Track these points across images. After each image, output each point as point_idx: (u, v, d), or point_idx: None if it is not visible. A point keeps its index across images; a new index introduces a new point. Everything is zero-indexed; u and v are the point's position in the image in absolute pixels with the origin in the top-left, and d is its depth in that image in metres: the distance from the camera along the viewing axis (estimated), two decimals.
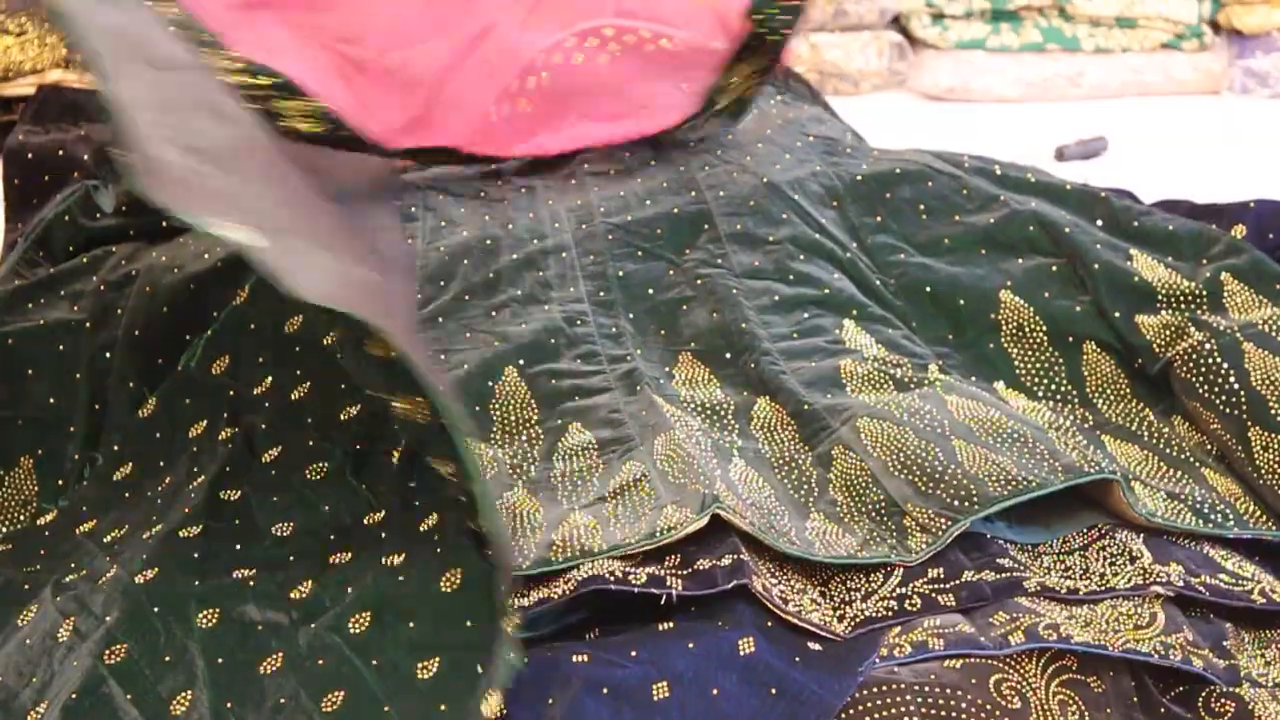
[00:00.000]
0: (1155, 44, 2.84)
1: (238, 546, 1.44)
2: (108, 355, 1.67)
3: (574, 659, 1.29)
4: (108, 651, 1.32)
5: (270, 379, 1.63)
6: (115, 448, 1.60)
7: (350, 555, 1.40)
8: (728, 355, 1.67)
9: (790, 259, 1.78)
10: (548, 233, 1.84)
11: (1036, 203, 1.82)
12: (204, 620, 1.35)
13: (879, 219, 1.84)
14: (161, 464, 1.57)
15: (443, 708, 1.24)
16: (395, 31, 2.27)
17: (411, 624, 1.31)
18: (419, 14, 2.28)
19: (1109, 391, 1.66)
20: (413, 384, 1.30)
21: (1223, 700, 1.30)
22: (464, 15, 2.30)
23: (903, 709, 1.26)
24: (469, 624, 1.31)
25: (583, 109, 2.11)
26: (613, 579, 1.32)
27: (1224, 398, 1.56)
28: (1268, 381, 1.55)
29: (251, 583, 1.38)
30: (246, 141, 1.48)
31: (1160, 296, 1.70)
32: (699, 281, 1.76)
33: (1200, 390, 1.58)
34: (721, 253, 1.79)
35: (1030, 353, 1.70)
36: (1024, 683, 1.29)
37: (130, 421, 1.62)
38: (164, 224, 1.80)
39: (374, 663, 1.28)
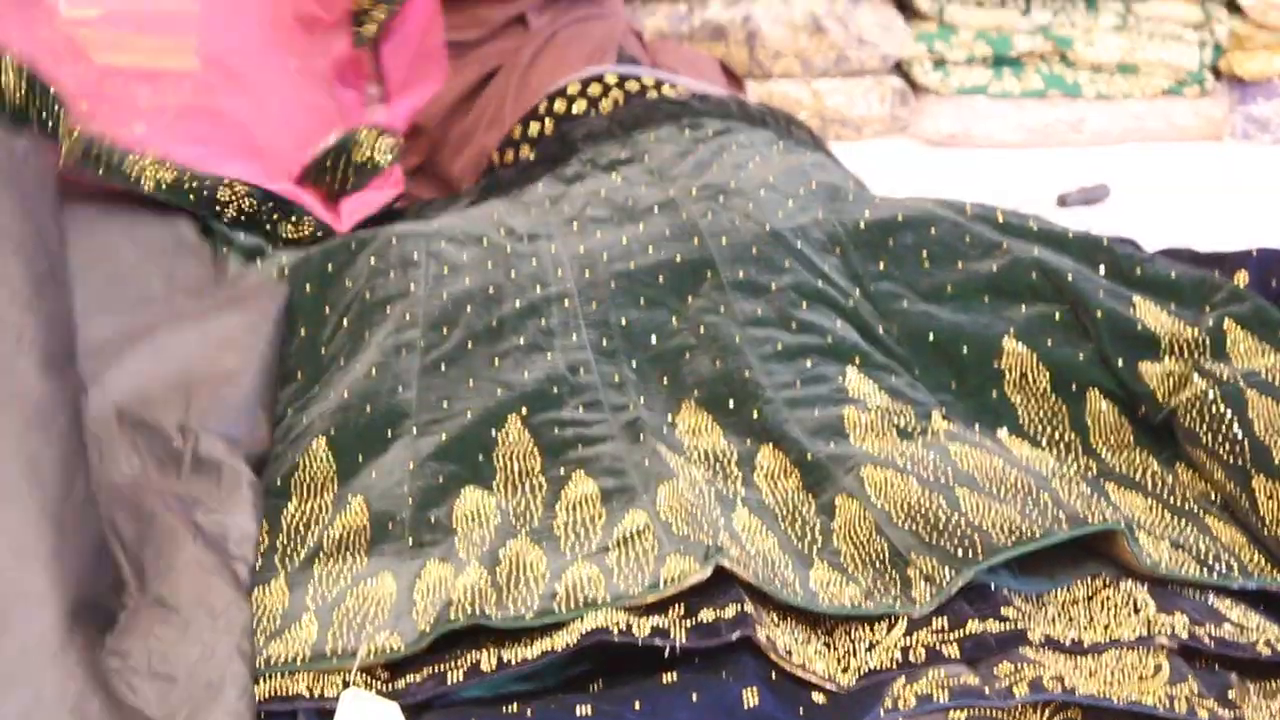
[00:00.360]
0: (1157, 90, 2.86)
1: None
2: None
3: (577, 711, 1.29)
4: None
5: None
6: None
7: None
8: (731, 404, 1.67)
9: (793, 307, 1.79)
10: (550, 280, 1.84)
11: (1039, 249, 1.82)
12: None
13: (881, 266, 1.85)
14: None
15: None
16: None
17: None
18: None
19: (1112, 440, 1.66)
20: None
21: None
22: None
23: None
24: None
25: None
26: (616, 631, 1.32)
27: (1227, 446, 1.56)
28: (1271, 430, 1.55)
29: None
30: None
31: (1163, 344, 1.71)
32: (702, 329, 1.77)
33: (1204, 438, 1.59)
34: (724, 300, 1.80)
35: (1033, 400, 1.70)
36: None
37: None
38: None
39: None
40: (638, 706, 1.29)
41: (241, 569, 1.46)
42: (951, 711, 1.30)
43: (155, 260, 1.82)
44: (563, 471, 1.58)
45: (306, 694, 1.35)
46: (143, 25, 1.97)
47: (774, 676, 1.32)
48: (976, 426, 1.66)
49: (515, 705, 1.32)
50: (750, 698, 1.29)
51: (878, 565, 1.45)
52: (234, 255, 1.94)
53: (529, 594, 1.39)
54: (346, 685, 1.35)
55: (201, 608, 1.38)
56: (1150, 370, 1.69)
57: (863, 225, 1.89)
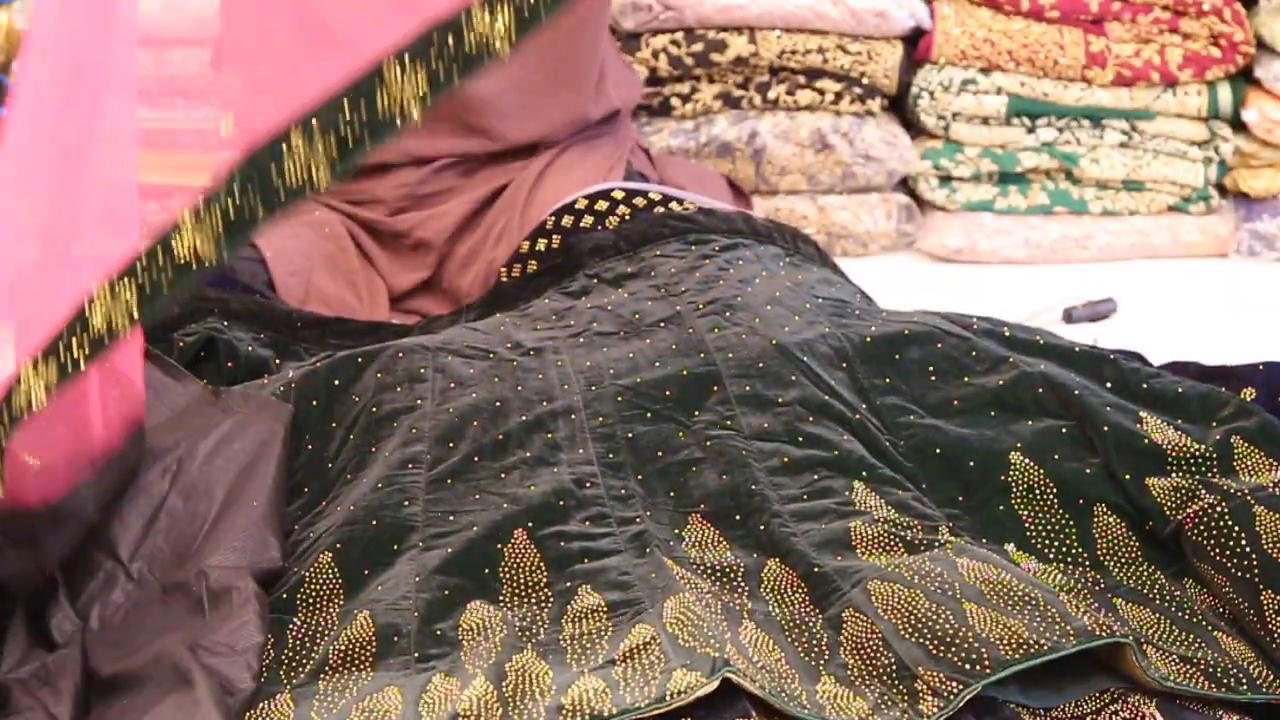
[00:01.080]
0: (1162, 206, 2.88)
1: None
2: None
3: None
4: None
5: None
6: None
7: None
8: (737, 517, 1.68)
9: (800, 420, 1.80)
10: (557, 394, 1.86)
11: (1045, 364, 1.84)
12: None
13: (888, 380, 1.86)
14: None
15: None
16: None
17: None
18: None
19: (1120, 554, 1.67)
20: None
21: None
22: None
23: None
24: None
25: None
26: None
27: (1235, 561, 1.57)
28: (1279, 545, 1.56)
29: None
30: None
31: (1170, 459, 1.72)
32: (708, 443, 1.78)
33: (1212, 553, 1.59)
34: (731, 414, 1.81)
35: (1041, 515, 1.71)
36: None
37: None
38: None
39: None
40: None
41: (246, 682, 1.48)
42: None
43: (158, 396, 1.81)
44: (569, 585, 1.59)
45: None
46: (160, 143, 1.99)
47: None
48: (984, 540, 1.67)
49: None
50: None
51: (885, 678, 1.45)
52: (240, 368, 1.96)
53: (535, 707, 1.40)
54: None
55: None
56: (1158, 485, 1.70)
57: (869, 339, 1.90)
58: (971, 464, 1.76)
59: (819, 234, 2.82)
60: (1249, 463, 1.70)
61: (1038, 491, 1.72)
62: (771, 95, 2.83)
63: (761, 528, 1.65)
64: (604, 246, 2.15)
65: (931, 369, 1.86)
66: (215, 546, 1.64)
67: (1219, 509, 1.61)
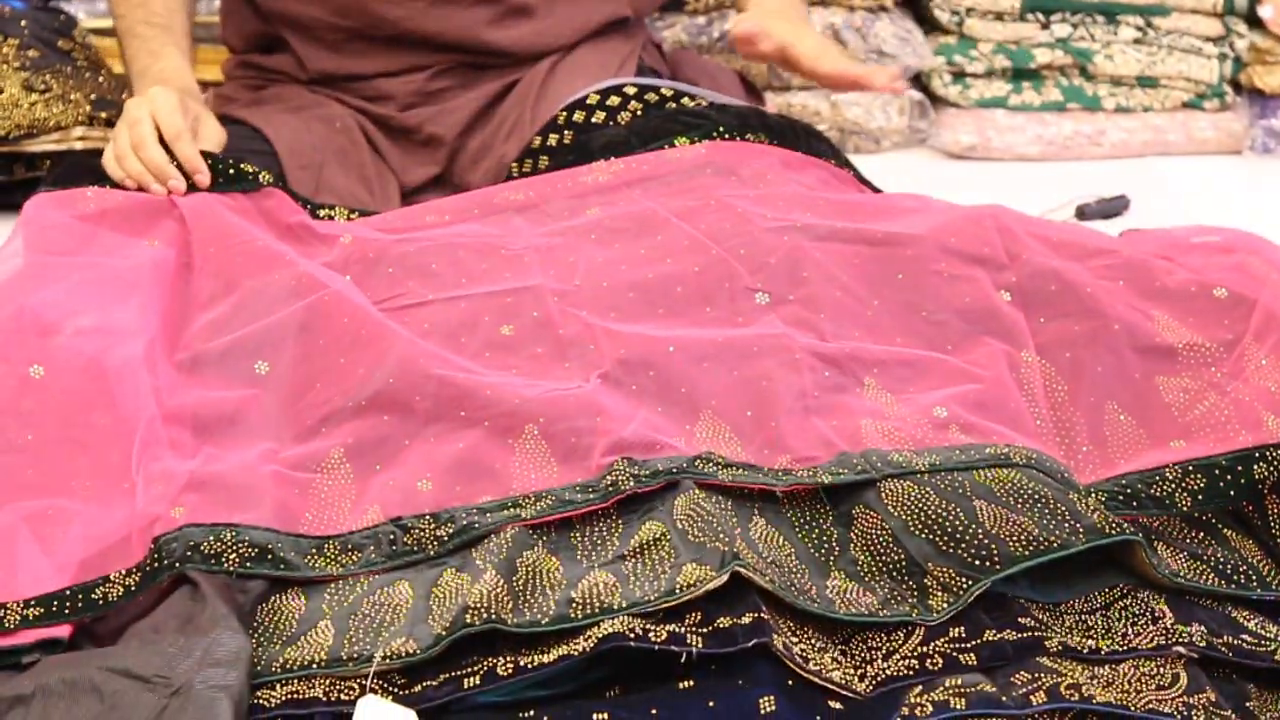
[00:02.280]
0: (1176, 103, 2.86)
1: None
2: None
3: (594, 717, 1.31)
4: None
5: None
6: None
7: None
8: (749, 413, 1.67)
9: (813, 315, 1.79)
10: (568, 289, 1.85)
11: (1057, 261, 1.83)
12: None
13: (902, 275, 1.85)
14: None
15: None
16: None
17: None
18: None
19: (1130, 452, 1.66)
20: None
21: None
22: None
23: None
24: None
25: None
26: (632, 636, 1.33)
27: None
28: None
29: None
30: None
31: (1180, 357, 1.71)
32: (720, 339, 1.77)
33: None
34: (743, 309, 1.80)
35: (1052, 413, 1.70)
36: None
37: None
38: None
39: None
40: (654, 713, 1.30)
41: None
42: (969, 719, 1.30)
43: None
44: None
45: (323, 698, 1.36)
46: None
47: (791, 684, 1.32)
48: (994, 439, 1.66)
49: (532, 711, 1.33)
50: (767, 704, 1.30)
51: (895, 574, 1.46)
52: None
53: (545, 601, 1.40)
54: (363, 690, 1.36)
55: None
56: (1167, 384, 1.69)
57: (881, 234, 1.89)
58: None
59: (831, 130, 2.81)
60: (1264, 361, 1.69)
61: (1050, 388, 1.71)
62: None
63: (773, 424, 1.65)
64: (616, 142, 2.13)
65: (944, 266, 1.85)
66: None
67: (1225, 409, 1.61)
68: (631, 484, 1.53)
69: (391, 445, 1.65)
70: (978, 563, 1.42)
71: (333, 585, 1.49)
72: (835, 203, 1.98)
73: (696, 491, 1.51)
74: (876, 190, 2.19)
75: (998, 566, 1.42)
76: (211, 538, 1.50)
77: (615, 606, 1.37)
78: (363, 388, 1.70)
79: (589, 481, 1.56)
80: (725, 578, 1.37)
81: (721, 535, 1.43)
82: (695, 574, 1.38)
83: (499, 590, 1.40)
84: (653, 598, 1.37)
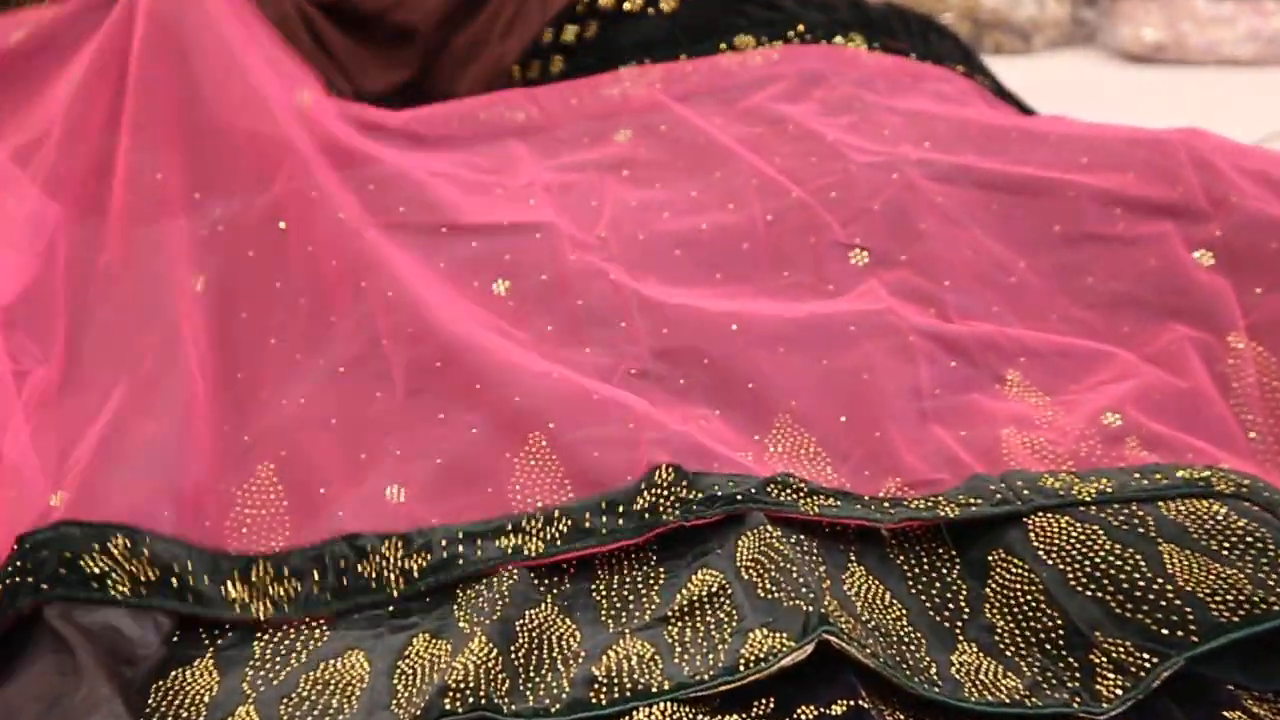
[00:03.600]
0: None
1: None
2: None
3: None
4: None
5: None
6: None
7: None
8: (843, 418, 1.67)
9: (930, 283, 1.79)
10: (590, 246, 1.85)
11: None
12: None
13: (1058, 228, 1.85)
14: None
15: None
16: None
17: None
18: None
19: None
20: None
21: None
22: None
23: None
24: None
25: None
26: None
27: None
28: None
29: None
30: None
31: None
32: (800, 315, 1.77)
33: None
34: (830, 273, 1.80)
35: (1271, 423, 1.69)
36: None
37: None
38: None
39: None
40: None
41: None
42: None
43: None
44: None
45: None
46: None
47: None
48: (1190, 455, 1.66)
49: None
50: None
51: (1047, 647, 1.45)
52: None
53: (557, 680, 1.40)
54: None
55: None
56: None
57: (1030, 173, 1.89)
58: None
59: (962, 23, 2.81)
60: None
61: (1266, 380, 1.71)
62: None
63: (876, 433, 1.64)
64: (655, 40, 2.14)
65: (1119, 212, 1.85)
66: None
67: None
68: (678, 513, 1.53)
69: (356, 424, 1.66)
70: (1166, 632, 1.41)
71: (257, 656, 1.49)
72: (964, 128, 1.98)
73: (768, 528, 1.51)
74: (1025, 110, 2.18)
75: (1194, 639, 1.41)
76: (96, 547, 1.51)
77: (655, 689, 1.36)
78: (329, 332, 1.72)
79: (615, 498, 1.55)
80: (809, 649, 1.37)
81: (804, 590, 1.43)
82: (766, 644, 1.37)
83: (490, 665, 1.40)
84: (707, 677, 1.37)
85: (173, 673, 1.48)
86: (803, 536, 1.53)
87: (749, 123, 1.99)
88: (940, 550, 1.56)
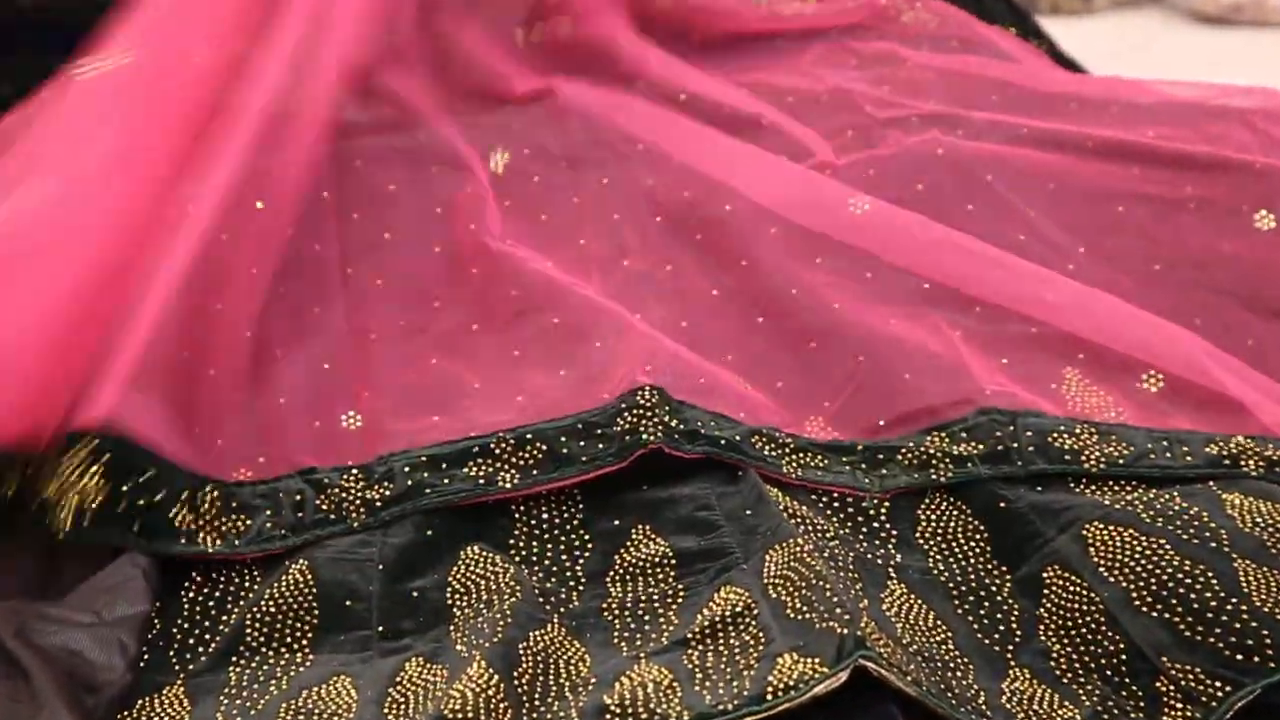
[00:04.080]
0: None
1: None
2: None
3: None
4: None
5: None
6: None
7: None
8: (882, 422, 1.69)
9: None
10: (602, 230, 1.86)
11: None
12: None
13: (1122, 208, 1.85)
14: None
15: None
16: None
17: None
18: None
19: None
20: None
21: None
22: None
23: None
24: None
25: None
26: None
27: None
28: None
29: None
30: None
31: None
32: (836, 305, 1.78)
33: None
34: (875, 259, 1.81)
35: None
36: None
37: None
38: None
39: None
40: None
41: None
42: None
43: None
44: (617, 523, 1.60)
45: None
46: None
47: None
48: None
49: None
50: None
51: (1109, 673, 1.46)
52: None
53: (565, 708, 1.41)
54: None
55: None
56: None
57: (1089, 141, 1.90)
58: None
59: None
60: None
61: None
62: None
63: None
64: None
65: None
66: None
67: None
68: (660, 436, 1.54)
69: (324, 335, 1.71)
70: (1240, 658, 1.42)
71: (232, 682, 1.50)
72: (1016, 92, 1.99)
73: (798, 541, 1.52)
74: (1082, 73, 2.19)
75: (1272, 664, 1.42)
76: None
77: (673, 718, 1.38)
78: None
79: (594, 419, 1.57)
80: (844, 676, 1.38)
81: (838, 610, 1.44)
82: (797, 670, 1.38)
83: (491, 693, 1.41)
84: (731, 707, 1.37)
85: (139, 701, 1.49)
86: (837, 547, 1.54)
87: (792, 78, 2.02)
88: (989, 565, 1.57)
